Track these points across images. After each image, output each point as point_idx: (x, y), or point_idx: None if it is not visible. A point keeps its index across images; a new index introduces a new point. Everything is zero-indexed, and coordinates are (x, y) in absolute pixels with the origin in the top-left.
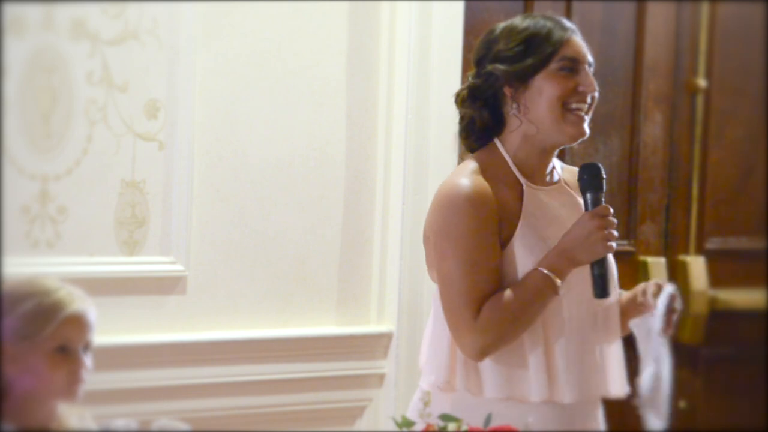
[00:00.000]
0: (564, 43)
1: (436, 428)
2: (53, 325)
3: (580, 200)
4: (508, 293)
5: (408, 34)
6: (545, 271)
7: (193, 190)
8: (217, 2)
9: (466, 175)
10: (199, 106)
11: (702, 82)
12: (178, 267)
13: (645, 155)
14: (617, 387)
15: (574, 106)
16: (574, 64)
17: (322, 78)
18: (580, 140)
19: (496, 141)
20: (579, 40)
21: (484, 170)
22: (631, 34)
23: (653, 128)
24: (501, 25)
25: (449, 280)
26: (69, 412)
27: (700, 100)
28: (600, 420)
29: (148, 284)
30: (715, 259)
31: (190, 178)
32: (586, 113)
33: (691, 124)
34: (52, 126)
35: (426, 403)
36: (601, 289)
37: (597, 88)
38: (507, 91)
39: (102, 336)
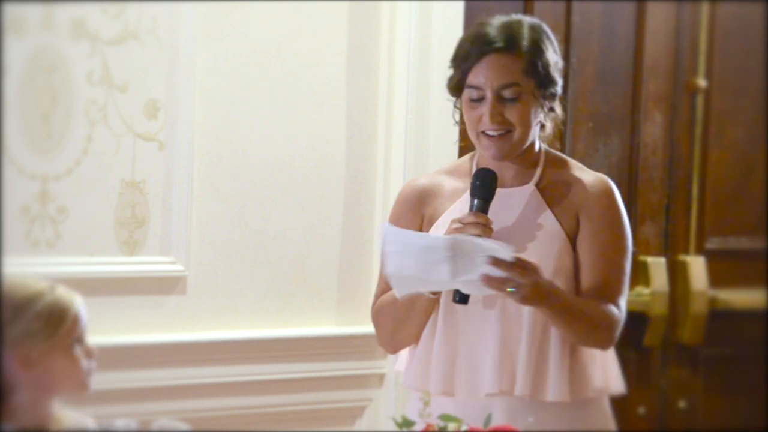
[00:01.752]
0: (471, 68)
1: (435, 428)
2: (67, 321)
3: (542, 207)
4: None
5: (408, 34)
6: None
7: (193, 190)
8: (217, 2)
9: (429, 173)
10: (199, 106)
11: (702, 82)
12: (178, 267)
13: (645, 155)
14: (521, 386)
15: (485, 131)
16: (480, 93)
17: (322, 78)
18: (500, 159)
19: None
20: (493, 61)
21: (457, 167)
22: (631, 34)
23: (653, 128)
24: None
25: None
26: (64, 413)
27: (700, 100)
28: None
29: (148, 284)
30: (715, 259)
31: (190, 178)
32: (507, 137)
33: (691, 124)
34: (52, 126)
35: (426, 403)
36: (459, 294)
37: (517, 114)
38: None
39: (102, 336)
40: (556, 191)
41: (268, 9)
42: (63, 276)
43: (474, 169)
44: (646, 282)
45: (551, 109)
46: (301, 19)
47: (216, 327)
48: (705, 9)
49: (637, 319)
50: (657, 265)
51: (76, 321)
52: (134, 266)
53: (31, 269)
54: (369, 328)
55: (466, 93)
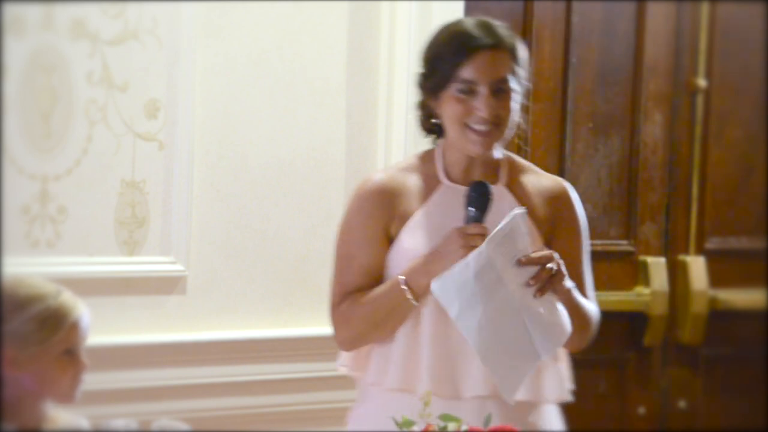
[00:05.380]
0: (464, 63)
1: (435, 428)
2: (64, 329)
3: (515, 207)
4: (369, 293)
5: (408, 34)
6: (402, 283)
7: (193, 190)
8: (217, 2)
9: (385, 170)
10: (199, 106)
11: (702, 82)
12: (178, 267)
13: (645, 155)
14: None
15: (473, 126)
16: (472, 87)
17: (322, 78)
18: (481, 154)
19: (438, 143)
20: (488, 56)
21: (414, 166)
22: (631, 34)
23: (653, 128)
24: (440, 27)
25: (332, 270)
26: (58, 413)
27: (700, 100)
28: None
29: (148, 284)
30: (715, 259)
31: (190, 178)
32: (494, 131)
33: (691, 124)
34: (52, 126)
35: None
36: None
37: (509, 108)
38: (428, 98)
39: (102, 336)
40: (524, 193)
41: (268, 9)
42: (63, 276)
43: (439, 166)
44: (646, 282)
45: (525, 110)
46: (301, 19)
47: (216, 327)
48: (705, 9)
49: (637, 319)
50: (657, 265)
51: (72, 331)
52: (134, 266)
53: (31, 269)
54: None
55: (454, 87)
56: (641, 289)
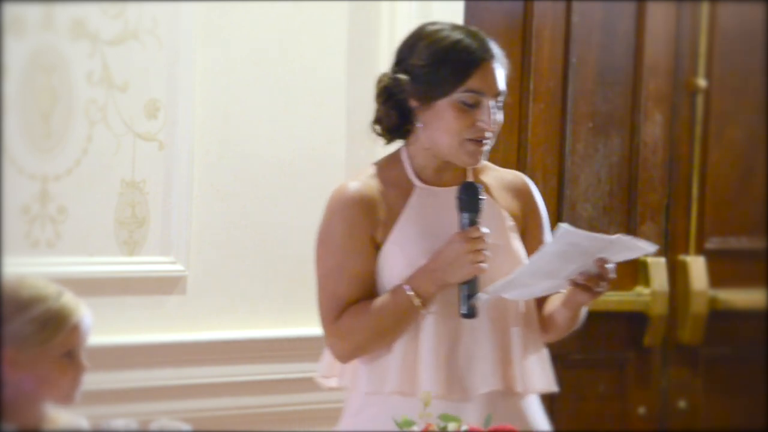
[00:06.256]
0: (472, 73)
1: (435, 428)
2: (64, 331)
3: (491, 205)
4: (371, 304)
5: None
6: (408, 290)
7: (193, 190)
8: (217, 2)
9: (356, 178)
10: (199, 106)
11: (702, 82)
12: (178, 267)
13: (645, 155)
14: (520, 383)
15: (471, 137)
16: (477, 98)
17: (322, 78)
18: (476, 164)
19: (402, 147)
20: (492, 68)
21: (381, 172)
22: (631, 34)
23: (653, 128)
24: (427, 30)
25: (319, 283)
26: (58, 413)
27: (700, 100)
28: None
29: (148, 284)
30: (715, 259)
31: (190, 178)
32: (487, 143)
33: (691, 124)
34: (52, 126)
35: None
36: (468, 308)
37: (498, 121)
38: (412, 103)
39: (102, 336)
40: (492, 190)
41: (268, 9)
42: (63, 276)
43: (409, 169)
44: (646, 282)
45: None
46: (301, 19)
47: (216, 327)
48: (705, 9)
49: (637, 319)
50: (657, 265)
51: (73, 333)
52: (134, 266)
53: (31, 269)
54: None
55: (459, 97)
56: (641, 289)
